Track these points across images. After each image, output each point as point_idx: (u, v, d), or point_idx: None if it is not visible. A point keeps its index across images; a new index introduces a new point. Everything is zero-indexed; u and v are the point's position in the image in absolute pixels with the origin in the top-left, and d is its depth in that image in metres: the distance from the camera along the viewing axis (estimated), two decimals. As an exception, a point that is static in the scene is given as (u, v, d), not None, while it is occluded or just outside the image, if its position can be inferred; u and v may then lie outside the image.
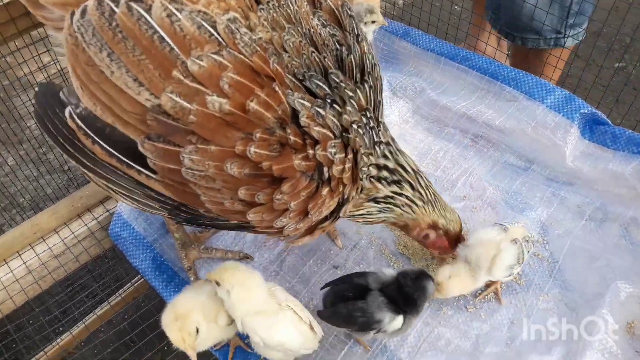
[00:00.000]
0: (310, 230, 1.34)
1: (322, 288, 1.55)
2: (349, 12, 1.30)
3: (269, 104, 1.10)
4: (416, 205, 1.46)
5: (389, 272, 1.52)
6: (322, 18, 1.25)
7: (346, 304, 1.46)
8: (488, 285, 1.68)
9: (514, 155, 2.07)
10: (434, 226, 1.52)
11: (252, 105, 1.08)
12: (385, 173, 1.39)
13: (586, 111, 1.97)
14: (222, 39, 1.08)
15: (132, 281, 2.29)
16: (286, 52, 1.15)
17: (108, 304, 2.30)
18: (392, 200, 1.43)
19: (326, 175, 1.19)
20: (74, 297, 2.49)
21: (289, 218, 1.22)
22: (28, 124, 3.03)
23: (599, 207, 1.86)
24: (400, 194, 1.43)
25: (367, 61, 1.29)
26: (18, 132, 2.82)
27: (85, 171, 1.23)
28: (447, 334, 1.60)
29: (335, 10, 1.28)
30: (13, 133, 2.72)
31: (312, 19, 1.23)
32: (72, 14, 1.11)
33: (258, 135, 1.10)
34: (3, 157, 2.96)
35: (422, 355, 1.57)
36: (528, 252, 1.62)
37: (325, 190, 1.22)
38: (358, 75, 1.26)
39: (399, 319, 1.45)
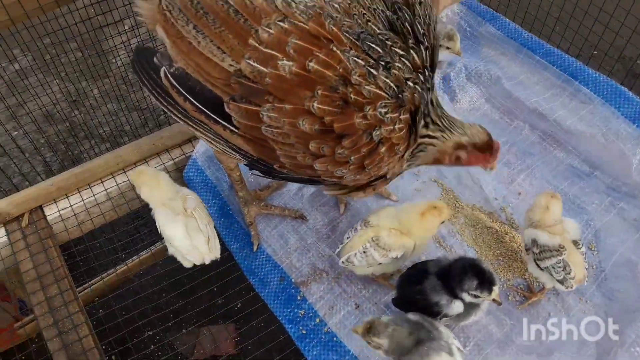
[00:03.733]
0: (364, 187, 1.45)
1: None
2: None
3: (328, 63, 1.19)
4: (436, 138, 1.45)
5: (452, 257, 1.59)
6: None
7: (408, 287, 1.56)
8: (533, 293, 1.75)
9: (579, 158, 2.06)
10: (459, 146, 1.48)
11: (312, 65, 1.18)
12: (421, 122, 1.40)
13: (662, 126, 1.93)
14: (282, 10, 1.20)
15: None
16: (334, 12, 1.23)
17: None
18: (418, 148, 1.45)
19: (376, 136, 1.26)
20: (142, 230, 2.70)
21: (348, 170, 1.32)
22: (114, 60, 3.22)
23: (658, 224, 1.85)
24: (425, 136, 1.43)
25: (420, 25, 1.32)
26: (105, 67, 3.00)
27: (179, 120, 1.40)
28: (483, 319, 1.67)
29: None
30: (101, 67, 2.92)
31: None
32: None
33: (320, 92, 1.20)
34: (89, 89, 3.18)
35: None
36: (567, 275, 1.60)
37: (383, 149, 1.30)
38: (415, 37, 1.31)
39: (458, 302, 1.51)
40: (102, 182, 2.09)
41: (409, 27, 1.30)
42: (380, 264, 1.63)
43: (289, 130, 1.23)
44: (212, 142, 1.40)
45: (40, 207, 2.01)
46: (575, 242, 1.64)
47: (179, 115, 1.38)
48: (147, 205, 2.33)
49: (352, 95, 1.20)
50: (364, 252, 1.61)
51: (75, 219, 2.02)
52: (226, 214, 1.96)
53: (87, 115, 3.27)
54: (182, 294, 2.47)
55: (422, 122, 1.39)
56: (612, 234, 1.85)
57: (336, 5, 1.22)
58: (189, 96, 1.30)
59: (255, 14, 1.19)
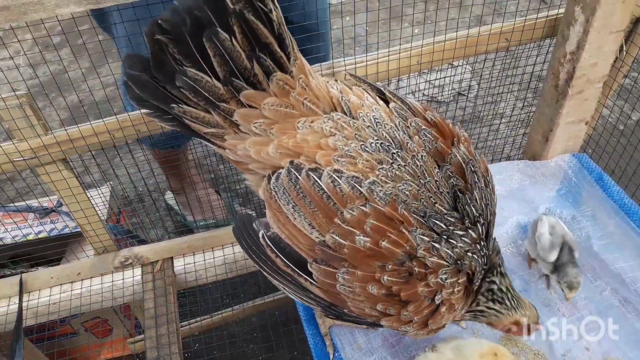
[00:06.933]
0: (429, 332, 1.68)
1: None
2: (473, 169, 1.59)
3: (397, 242, 1.45)
4: (501, 313, 1.75)
5: None
6: (449, 170, 1.58)
7: None
8: None
9: (656, 332, 2.09)
10: (516, 323, 1.79)
11: (384, 244, 1.45)
12: (488, 293, 1.71)
13: None
14: (366, 196, 1.47)
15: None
16: (405, 197, 1.50)
17: (263, 300, 2.89)
18: (481, 313, 1.75)
19: (438, 300, 1.52)
20: (246, 284, 3.13)
21: (412, 327, 1.58)
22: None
23: None
24: (491, 308, 1.74)
25: (482, 205, 1.60)
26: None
27: (266, 274, 1.72)
28: None
29: (463, 164, 1.58)
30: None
31: (436, 171, 1.57)
32: (269, 177, 1.57)
33: (390, 267, 1.47)
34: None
35: None
36: None
37: (443, 309, 1.55)
38: (472, 218, 1.57)
39: None
40: (222, 248, 2.53)
41: (467, 210, 1.57)
42: None
43: (360, 291, 1.51)
44: (294, 294, 1.70)
45: (171, 259, 2.49)
46: None
47: (268, 271, 1.69)
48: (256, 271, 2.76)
49: (416, 268, 1.47)
50: None
51: (194, 273, 2.47)
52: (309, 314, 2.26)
53: (230, 170, 3.84)
54: (267, 348, 2.83)
55: (488, 296, 1.71)
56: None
57: (407, 192, 1.51)
58: (279, 254, 1.60)
59: (342, 199, 1.47)
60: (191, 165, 3.27)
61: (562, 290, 2.14)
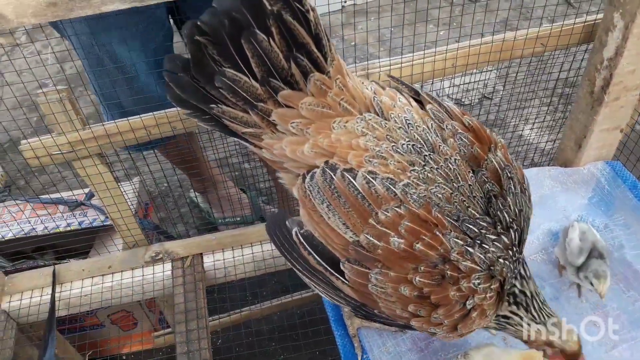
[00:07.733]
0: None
1: None
2: (509, 175, 1.57)
3: (431, 245, 1.45)
4: (524, 322, 1.68)
5: None
6: (485, 176, 1.56)
7: None
8: None
9: (690, 344, 2.06)
10: (549, 344, 1.70)
11: (418, 246, 1.44)
12: (509, 297, 1.65)
13: None
14: (400, 198, 1.47)
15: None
16: (438, 200, 1.49)
17: (291, 297, 2.89)
18: (506, 320, 1.69)
19: (469, 305, 1.50)
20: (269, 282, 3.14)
21: (441, 329, 1.56)
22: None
23: None
24: (515, 314, 1.67)
25: (509, 214, 1.56)
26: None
27: (297, 272, 1.72)
28: None
29: (499, 170, 1.57)
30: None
31: (470, 175, 1.55)
32: (304, 176, 1.57)
33: (422, 268, 1.46)
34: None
35: None
36: None
37: (474, 314, 1.54)
38: (504, 224, 1.55)
39: None
40: (251, 245, 2.55)
41: (500, 215, 1.56)
42: None
43: (392, 292, 1.51)
44: (324, 293, 1.71)
45: (201, 255, 2.52)
46: None
47: (299, 268, 1.69)
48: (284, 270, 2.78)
49: (448, 272, 1.47)
50: None
51: (224, 270, 2.50)
52: (338, 313, 2.26)
53: (254, 170, 3.86)
54: (294, 348, 2.84)
55: (510, 299, 1.65)
56: None
57: (440, 195, 1.50)
58: (312, 252, 1.60)
59: (377, 200, 1.47)
60: (213, 165, 3.28)
61: (592, 284, 2.07)
